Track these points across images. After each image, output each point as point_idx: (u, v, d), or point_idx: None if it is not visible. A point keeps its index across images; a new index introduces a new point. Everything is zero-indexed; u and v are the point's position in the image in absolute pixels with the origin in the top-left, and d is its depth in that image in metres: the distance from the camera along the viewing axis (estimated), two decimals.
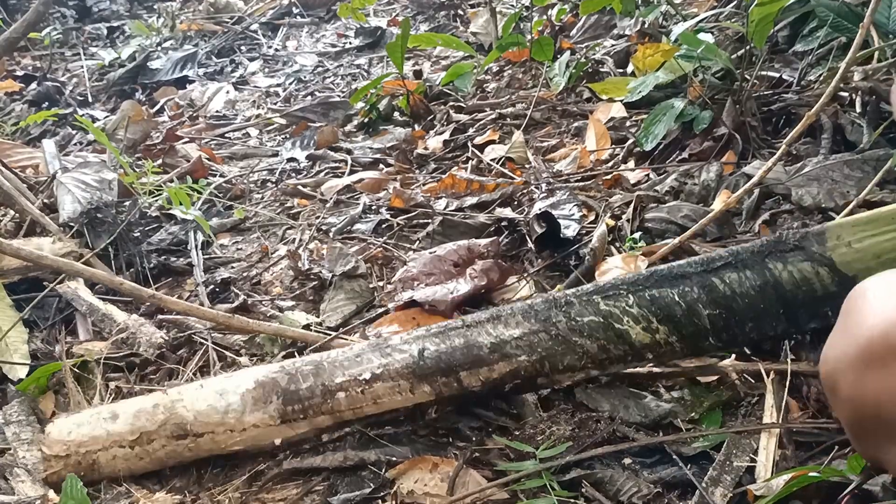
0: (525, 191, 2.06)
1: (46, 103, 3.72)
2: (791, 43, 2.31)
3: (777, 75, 2.19)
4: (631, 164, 2.12)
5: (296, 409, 1.20)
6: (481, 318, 1.22)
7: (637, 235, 1.70)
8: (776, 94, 2.09)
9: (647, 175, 2.02)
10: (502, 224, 1.91)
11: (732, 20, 2.40)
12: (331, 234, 2.03)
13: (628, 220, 1.79)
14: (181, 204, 1.98)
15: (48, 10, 4.25)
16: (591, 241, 1.70)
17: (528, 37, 3.00)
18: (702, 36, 2.12)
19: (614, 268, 1.64)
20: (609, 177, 2.03)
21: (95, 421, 1.24)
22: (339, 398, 1.20)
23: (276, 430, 1.21)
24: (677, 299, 1.17)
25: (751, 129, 1.97)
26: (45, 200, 2.13)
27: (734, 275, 1.17)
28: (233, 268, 1.98)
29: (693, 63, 2.11)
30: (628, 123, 2.34)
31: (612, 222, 1.80)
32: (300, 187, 2.36)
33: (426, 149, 2.53)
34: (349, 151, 2.60)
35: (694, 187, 1.86)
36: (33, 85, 3.97)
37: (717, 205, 1.74)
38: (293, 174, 2.52)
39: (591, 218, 1.86)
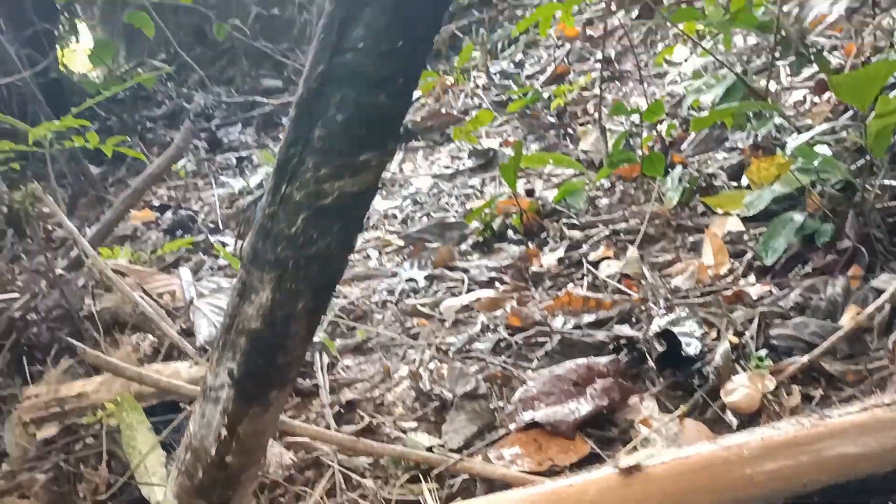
0: (643, 307, 2.05)
1: (180, 231, 3.98)
2: None
3: None
4: (751, 278, 2.10)
5: None
6: None
7: (762, 353, 1.67)
8: None
9: (769, 290, 1.98)
10: (621, 342, 1.91)
11: (849, 131, 2.38)
12: (450, 354, 2.07)
13: (752, 337, 1.76)
14: None
15: (188, 146, 4.59)
16: (714, 359, 1.67)
17: (639, 152, 3.04)
18: (818, 148, 2.12)
19: (740, 387, 1.61)
20: (729, 292, 2.01)
21: None
22: None
23: None
24: None
25: (876, 242, 1.92)
26: (183, 325, 2.27)
27: None
28: (356, 388, 2.03)
29: (810, 176, 2.09)
30: (746, 237, 2.32)
31: (735, 339, 1.77)
32: (419, 307, 2.42)
33: (541, 266, 2.56)
34: (465, 270, 2.66)
35: (820, 303, 1.81)
36: (168, 214, 4.25)
37: (847, 321, 1.69)
38: (412, 294, 2.59)
39: (713, 335, 1.83)
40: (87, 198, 4.70)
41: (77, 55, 7.45)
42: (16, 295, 2.41)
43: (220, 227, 4.04)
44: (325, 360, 2.14)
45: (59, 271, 2.35)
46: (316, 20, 6.45)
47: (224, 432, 1.10)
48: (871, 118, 1.87)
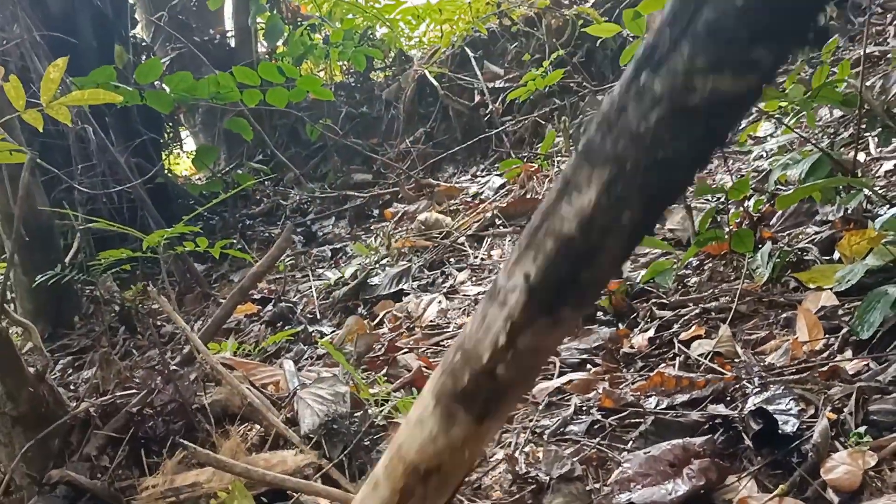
0: (737, 386, 2.05)
1: (281, 322, 4.15)
2: None
3: None
4: (847, 353, 2.08)
5: None
6: None
7: (862, 430, 1.65)
8: None
9: (867, 365, 1.96)
10: (716, 421, 1.91)
11: None
12: (545, 437, 2.11)
13: (851, 414, 1.74)
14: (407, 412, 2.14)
15: (290, 244, 4.81)
16: (812, 436, 1.66)
17: (727, 229, 3.06)
18: None
19: (841, 464, 1.59)
20: (825, 368, 1.99)
21: None
22: None
23: None
24: None
25: None
26: (287, 415, 2.37)
27: None
28: None
29: None
30: (840, 312, 2.30)
31: (833, 416, 1.75)
32: None
33: (632, 347, 2.59)
34: (557, 353, 2.70)
35: None
36: (269, 306, 4.44)
37: None
38: None
39: (810, 412, 1.82)
40: (194, 294, 4.96)
41: (181, 161, 7.95)
42: (133, 391, 2.57)
43: (318, 317, 4.19)
44: None
45: (172, 366, 2.50)
46: (401, 116, 6.73)
47: (502, 340, 0.98)
48: None
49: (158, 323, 4.46)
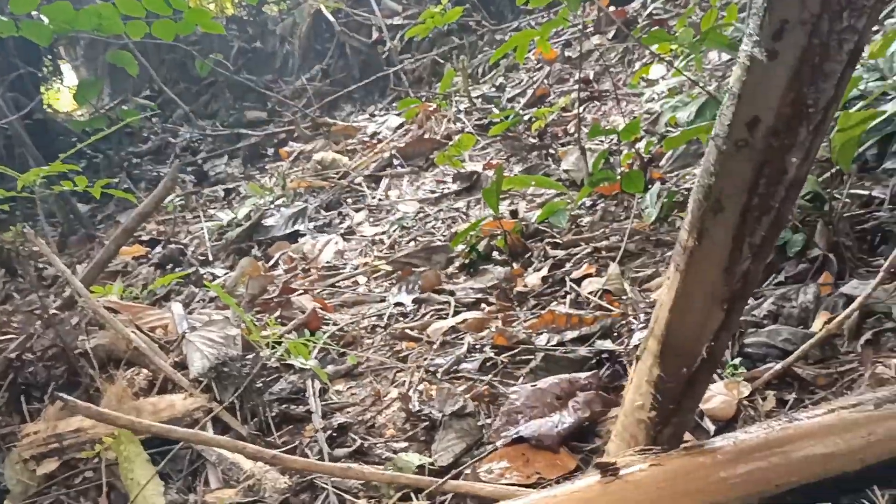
0: (623, 322, 2.11)
1: (171, 265, 4.02)
2: (880, 160, 2.33)
3: (868, 193, 2.21)
4: None
5: None
6: None
7: (737, 361, 1.73)
8: (868, 213, 2.12)
9: None
10: (603, 356, 1.97)
11: None
12: (438, 375, 2.12)
13: (727, 346, 1.82)
14: (300, 355, 2.12)
15: (175, 184, 4.64)
16: None
17: (619, 170, 3.11)
18: None
19: (717, 394, 1.66)
20: None
21: None
22: None
23: None
24: None
25: (845, 249, 1.99)
26: (176, 359, 2.31)
27: None
28: (348, 412, 2.08)
29: None
30: None
31: None
32: (407, 331, 2.47)
33: (525, 286, 2.62)
34: (452, 293, 2.72)
35: (792, 310, 1.87)
36: (158, 248, 4.30)
37: (818, 327, 1.75)
38: (401, 318, 2.64)
39: None
40: (78, 236, 4.76)
41: (61, 95, 7.53)
42: (11, 335, 2.45)
43: (210, 259, 4.08)
44: (318, 385, 2.19)
45: (52, 311, 2.40)
46: (297, 53, 6.55)
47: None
48: (835, 132, 1.94)
49: (40, 266, 4.26)
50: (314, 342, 2.37)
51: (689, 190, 2.87)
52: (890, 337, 1.70)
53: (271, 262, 3.75)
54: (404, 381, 2.16)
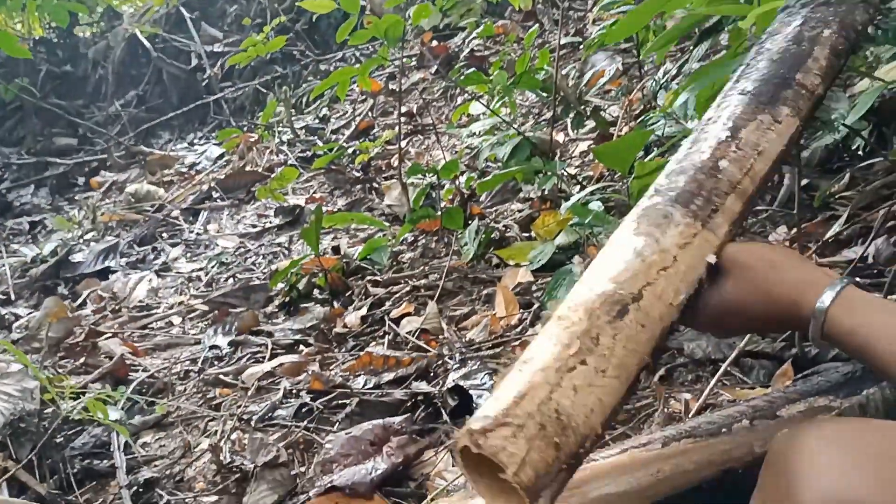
0: (440, 362, 2.14)
1: None
2: None
3: None
4: (538, 328, 2.23)
5: None
6: None
7: None
8: None
9: None
10: (419, 399, 1.98)
11: (617, 189, 2.58)
12: (252, 423, 2.07)
13: None
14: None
15: None
16: None
17: (442, 204, 3.17)
18: (592, 205, 2.30)
19: None
20: (518, 343, 2.14)
21: None
22: None
23: None
24: None
25: None
26: None
27: None
28: (156, 466, 1.99)
29: (586, 230, 2.27)
30: (534, 288, 2.46)
31: None
32: (221, 376, 2.40)
33: (345, 326, 2.61)
34: (270, 334, 2.66)
35: None
36: None
37: None
38: (215, 362, 2.56)
39: None
40: None
41: None
42: None
43: (13, 298, 3.80)
44: (123, 439, 2.08)
45: None
46: (110, 77, 6.25)
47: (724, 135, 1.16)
48: (632, 179, 2.06)
49: None
50: (117, 397, 2.24)
51: (506, 227, 2.96)
52: (681, 371, 1.82)
53: (79, 301, 3.54)
54: (216, 431, 2.09)
